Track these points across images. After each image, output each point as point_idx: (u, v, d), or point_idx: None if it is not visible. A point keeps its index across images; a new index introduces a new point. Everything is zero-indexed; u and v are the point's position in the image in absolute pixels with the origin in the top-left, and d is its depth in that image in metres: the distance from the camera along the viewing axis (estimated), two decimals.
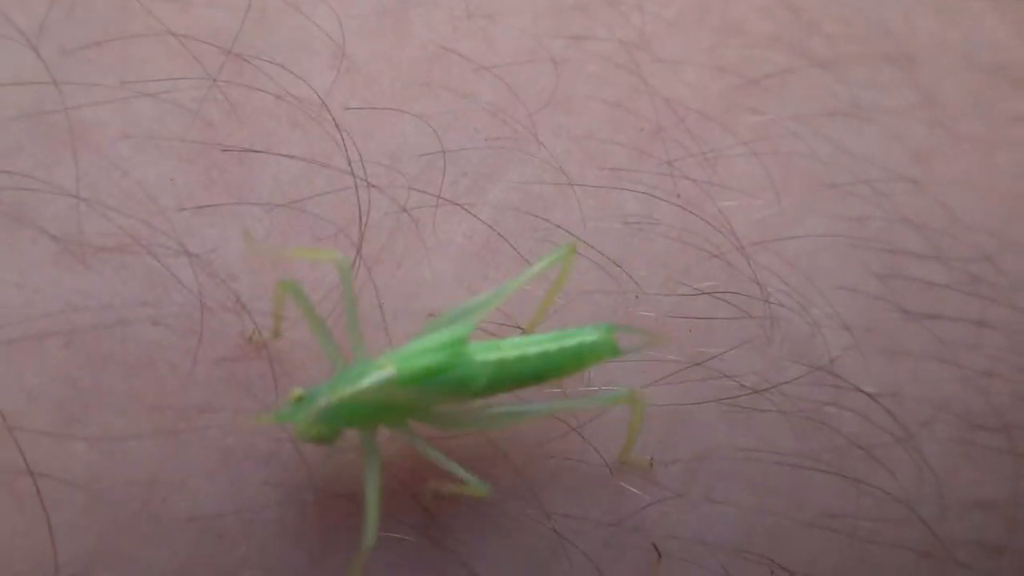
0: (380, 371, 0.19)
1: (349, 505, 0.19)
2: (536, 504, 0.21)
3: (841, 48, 0.28)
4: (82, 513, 0.18)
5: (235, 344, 0.20)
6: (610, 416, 0.23)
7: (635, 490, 0.23)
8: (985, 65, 0.30)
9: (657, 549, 0.23)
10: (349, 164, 0.22)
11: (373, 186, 0.22)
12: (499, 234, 0.23)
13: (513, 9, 0.26)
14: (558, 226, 0.23)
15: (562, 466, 0.23)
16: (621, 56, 0.26)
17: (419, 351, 0.20)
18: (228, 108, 0.22)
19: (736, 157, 0.26)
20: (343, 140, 0.22)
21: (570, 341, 0.21)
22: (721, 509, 0.24)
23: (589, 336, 0.21)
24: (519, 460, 0.22)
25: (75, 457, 0.18)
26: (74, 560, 0.18)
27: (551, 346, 0.21)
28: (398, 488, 0.20)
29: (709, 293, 0.25)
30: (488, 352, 0.20)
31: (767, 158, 0.27)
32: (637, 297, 0.24)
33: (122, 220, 0.20)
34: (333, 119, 0.22)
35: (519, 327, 0.23)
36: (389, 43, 0.24)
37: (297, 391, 0.19)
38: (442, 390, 0.20)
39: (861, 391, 0.25)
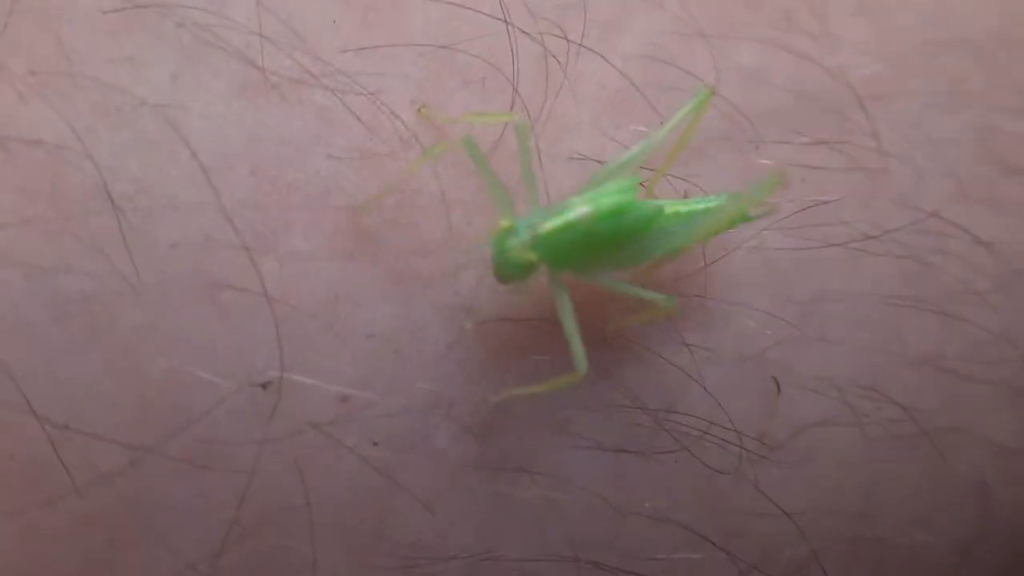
0: (579, 207, 0.20)
1: (518, 328, 0.21)
2: (675, 334, 0.23)
3: None
4: (276, 326, 0.19)
5: (401, 179, 0.21)
6: (737, 256, 0.24)
7: (756, 325, 0.24)
8: None
9: (777, 382, 0.24)
10: (502, 7, 0.22)
11: (523, 32, 0.22)
12: (632, 82, 0.24)
13: None
14: (688, 72, 0.24)
15: (691, 303, 0.24)
16: None
17: (602, 194, 0.21)
18: None
19: (847, 14, 0.27)
20: None
21: (711, 204, 0.23)
22: (834, 348, 0.25)
23: (742, 196, 0.23)
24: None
25: (268, 274, 0.20)
26: (268, 368, 0.19)
27: (698, 207, 0.23)
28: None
29: (826, 142, 0.26)
30: (661, 206, 0.23)
31: (877, 14, 0.27)
32: (757, 148, 0.25)
33: (297, 56, 0.21)
34: None
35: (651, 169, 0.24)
36: None
37: (505, 221, 0.20)
38: (626, 229, 0.21)
39: (966, 236, 0.26)
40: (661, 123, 0.24)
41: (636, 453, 0.22)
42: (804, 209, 0.25)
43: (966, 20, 0.28)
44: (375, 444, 0.20)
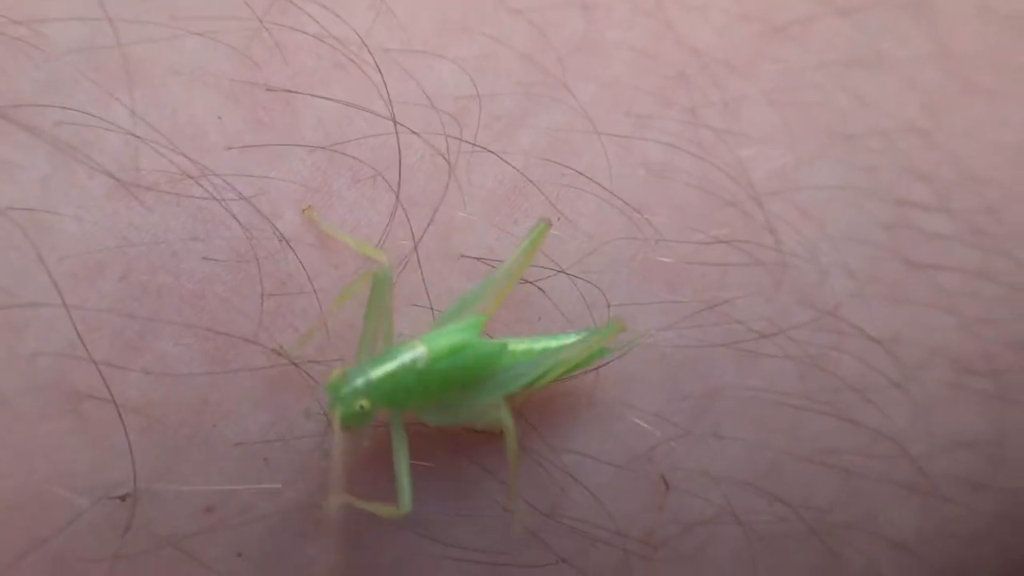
0: (414, 349, 0.20)
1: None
2: (546, 442, 0.22)
3: None
4: (140, 436, 0.19)
5: (280, 280, 0.21)
6: (631, 355, 0.24)
7: (647, 426, 0.24)
8: (1000, 16, 0.30)
9: (665, 481, 0.24)
10: (391, 106, 0.22)
11: (413, 132, 0.22)
12: (529, 180, 0.24)
13: None
14: (581, 173, 0.24)
15: (579, 402, 0.24)
16: (648, 1, 0.26)
17: (442, 334, 0.20)
18: (272, 47, 0.22)
19: (756, 105, 0.27)
20: (384, 84, 0.22)
21: (567, 340, 0.22)
22: (726, 444, 0.25)
23: (590, 338, 0.22)
24: (535, 400, 0.23)
25: (132, 384, 0.19)
26: (128, 478, 0.19)
27: (551, 344, 0.22)
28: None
29: (724, 241, 0.25)
30: (504, 344, 0.22)
31: (786, 107, 0.27)
32: (656, 244, 0.25)
33: (174, 157, 0.20)
34: (375, 62, 0.22)
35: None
36: None
37: (336, 372, 0.19)
38: (468, 367, 0.21)
39: (862, 335, 0.26)
40: (496, 267, 0.23)
41: (513, 566, 0.21)
42: (704, 310, 0.25)
43: (882, 111, 0.28)
44: (239, 555, 0.19)
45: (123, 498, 0.18)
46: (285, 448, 0.20)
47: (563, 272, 0.23)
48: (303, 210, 0.21)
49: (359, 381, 0.20)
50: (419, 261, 0.22)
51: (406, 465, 0.20)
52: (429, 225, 0.22)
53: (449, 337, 0.21)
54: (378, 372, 0.20)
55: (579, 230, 0.24)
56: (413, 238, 0.22)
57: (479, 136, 0.23)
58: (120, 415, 0.18)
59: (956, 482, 0.27)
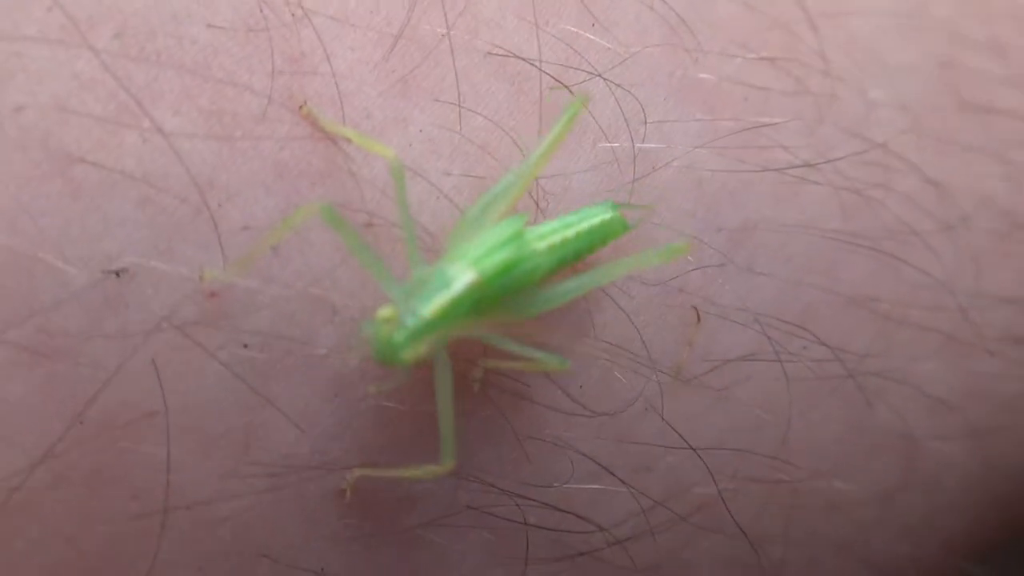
0: (463, 276, 0.18)
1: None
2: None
3: None
4: (137, 208, 0.17)
5: (293, 58, 0.19)
6: (665, 174, 0.22)
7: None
8: None
9: (697, 312, 0.23)
10: None
11: None
12: None
13: None
14: None
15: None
16: None
17: (486, 250, 0.18)
18: None
19: None
20: None
21: (594, 221, 0.21)
22: (762, 280, 0.23)
23: (605, 214, 0.20)
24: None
25: (129, 151, 0.17)
26: (124, 252, 0.17)
27: (582, 227, 0.21)
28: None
29: (770, 59, 0.24)
30: (537, 241, 0.20)
31: None
32: (696, 60, 0.23)
33: None
34: None
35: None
36: None
37: (384, 311, 0.17)
38: (514, 283, 0.19)
39: (913, 173, 0.24)
40: (526, 154, 0.21)
41: (530, 401, 0.20)
42: (743, 131, 0.23)
43: None
44: (245, 346, 0.18)
45: (118, 273, 0.17)
46: (295, 237, 0.18)
47: (600, 76, 0.22)
48: (299, 107, 0.18)
49: (411, 323, 0.17)
50: (453, 55, 0.20)
51: (450, 412, 0.18)
52: (460, 17, 0.20)
53: (495, 255, 0.19)
54: (430, 310, 0.18)
55: (615, 38, 0.22)
56: (446, 24, 0.20)
57: None
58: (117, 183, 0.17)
59: (999, 337, 0.25)
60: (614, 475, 0.21)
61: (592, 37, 0.22)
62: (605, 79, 0.22)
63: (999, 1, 0.27)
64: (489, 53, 0.21)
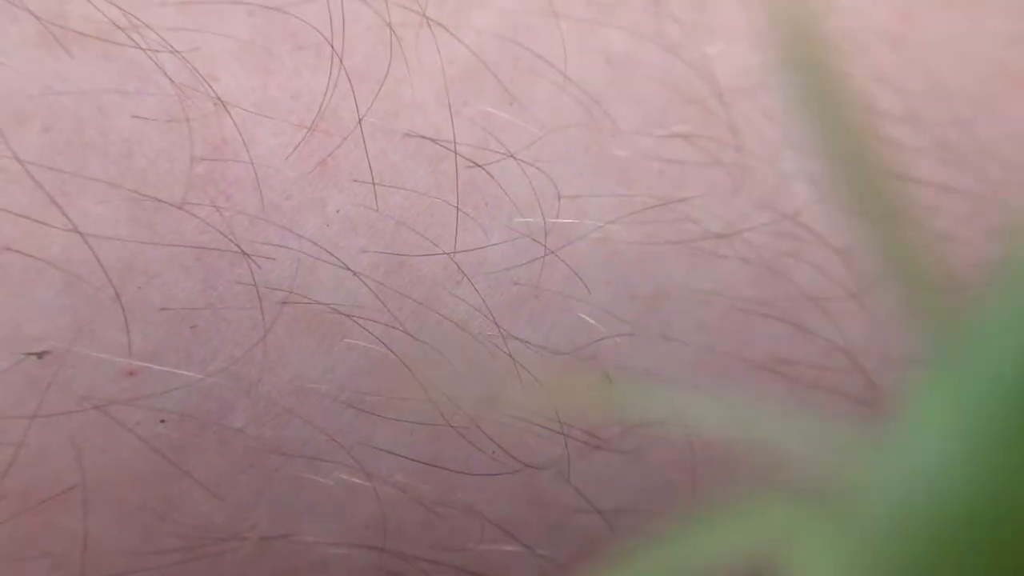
0: None
1: (325, 313, 0.20)
2: (495, 327, 0.22)
3: None
4: (59, 293, 0.19)
5: (213, 145, 0.21)
6: (580, 247, 0.24)
7: (592, 321, 0.24)
8: None
9: (609, 377, 0.24)
10: None
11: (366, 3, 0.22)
12: (483, 61, 0.23)
13: None
14: (539, 56, 0.24)
15: (525, 292, 0.24)
16: None
17: None
18: None
19: (728, 3, 0.27)
20: None
21: None
22: (674, 346, 0.25)
23: None
24: (483, 284, 0.23)
25: (54, 240, 0.19)
26: (47, 335, 0.19)
27: None
28: None
29: (684, 137, 0.25)
30: None
31: (757, 6, 0.27)
32: (612, 136, 0.25)
33: (104, 6, 0.20)
34: None
35: None
36: None
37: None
38: None
39: (821, 243, 0.26)
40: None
41: (442, 469, 0.22)
42: (658, 205, 0.25)
43: (856, 14, 0.28)
44: (162, 422, 0.20)
45: (41, 355, 0.18)
46: (213, 316, 0.20)
47: (512, 157, 0.23)
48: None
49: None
50: (363, 137, 0.22)
51: None
52: (378, 100, 0.22)
53: None
54: None
55: (532, 116, 0.24)
56: (357, 112, 0.21)
57: (431, 10, 0.23)
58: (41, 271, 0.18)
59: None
60: (521, 538, 0.23)
61: (509, 117, 0.24)
62: (517, 159, 0.23)
63: (913, 73, 0.29)
64: (407, 134, 0.23)
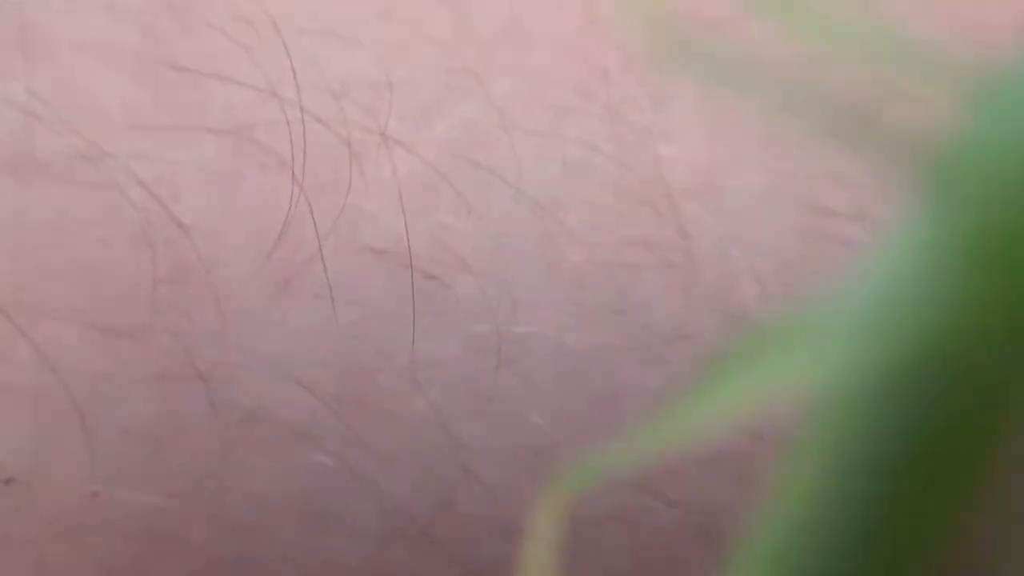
0: None
1: (278, 435, 0.21)
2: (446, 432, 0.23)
3: None
4: (24, 420, 0.20)
5: (175, 267, 0.21)
6: (534, 354, 0.25)
7: (544, 425, 0.25)
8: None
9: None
10: (299, 94, 0.23)
11: (319, 120, 0.23)
12: (439, 174, 0.25)
13: None
14: (493, 170, 0.25)
15: (479, 396, 0.25)
16: None
17: None
18: (184, 22, 0.23)
19: (682, 101, 0.28)
20: (293, 71, 0.23)
21: None
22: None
23: None
24: (438, 394, 0.24)
25: (21, 367, 0.20)
26: (12, 462, 0.19)
27: None
28: None
29: (636, 244, 0.27)
30: None
31: (714, 105, 0.28)
32: (567, 242, 0.26)
33: (71, 137, 0.21)
34: (286, 47, 0.23)
35: None
36: None
37: None
38: None
39: None
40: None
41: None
42: (613, 310, 0.26)
43: (806, 115, 0.29)
44: (125, 540, 0.20)
45: (6, 482, 0.19)
46: (175, 436, 0.21)
47: (468, 268, 0.24)
48: None
49: None
50: (320, 248, 0.23)
51: None
52: (338, 216, 0.23)
53: None
54: None
55: (489, 226, 0.25)
56: (315, 229, 0.22)
57: (391, 126, 0.24)
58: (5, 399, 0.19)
59: None
60: None
61: (465, 227, 0.25)
62: (472, 271, 0.24)
63: (857, 170, 0.30)
64: (366, 248, 0.24)
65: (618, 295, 0.26)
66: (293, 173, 0.22)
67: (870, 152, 0.09)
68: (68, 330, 0.20)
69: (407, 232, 0.24)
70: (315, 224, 0.22)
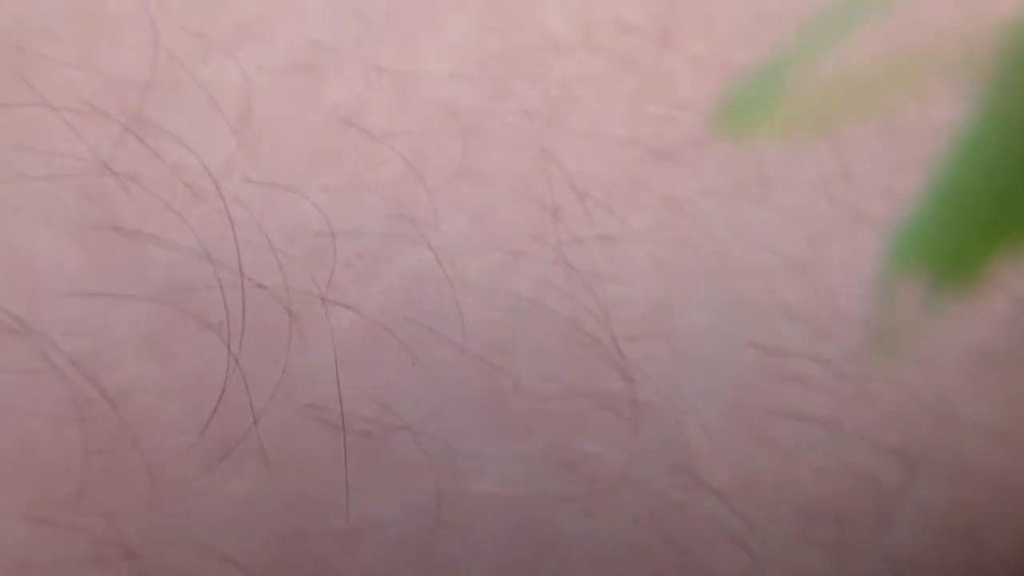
0: None
1: None
2: None
3: None
4: None
5: (109, 437, 0.22)
6: (474, 505, 0.25)
7: None
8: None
9: None
10: (238, 256, 0.23)
11: (261, 286, 0.23)
12: (381, 329, 0.25)
13: (427, 72, 0.27)
14: (431, 329, 0.25)
15: (421, 555, 0.25)
16: (528, 127, 0.27)
17: None
18: (126, 180, 0.23)
19: (631, 242, 0.28)
20: (235, 234, 0.23)
21: None
22: None
23: None
24: (375, 552, 0.24)
25: None
26: None
27: None
28: None
29: (580, 383, 0.27)
30: None
31: (664, 242, 0.28)
32: (512, 390, 0.26)
33: (6, 302, 0.21)
34: (226, 208, 0.23)
35: None
36: (298, 104, 0.25)
37: None
38: None
39: (709, 489, 0.28)
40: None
41: None
42: (554, 458, 0.26)
43: (762, 244, 0.29)
44: None
45: None
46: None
47: (407, 428, 0.25)
48: None
49: None
50: (253, 412, 0.23)
51: None
52: (277, 380, 0.23)
53: None
54: None
55: (432, 379, 0.25)
56: (249, 397, 0.23)
57: (335, 280, 0.24)
58: None
59: None
60: None
61: (407, 383, 0.25)
62: (412, 429, 0.25)
63: (818, 305, 0.30)
64: (305, 408, 0.24)
65: (563, 446, 0.26)
66: (229, 340, 0.23)
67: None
68: (8, 499, 0.20)
69: (340, 390, 0.24)
70: (249, 393, 0.22)
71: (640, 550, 0.27)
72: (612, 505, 0.27)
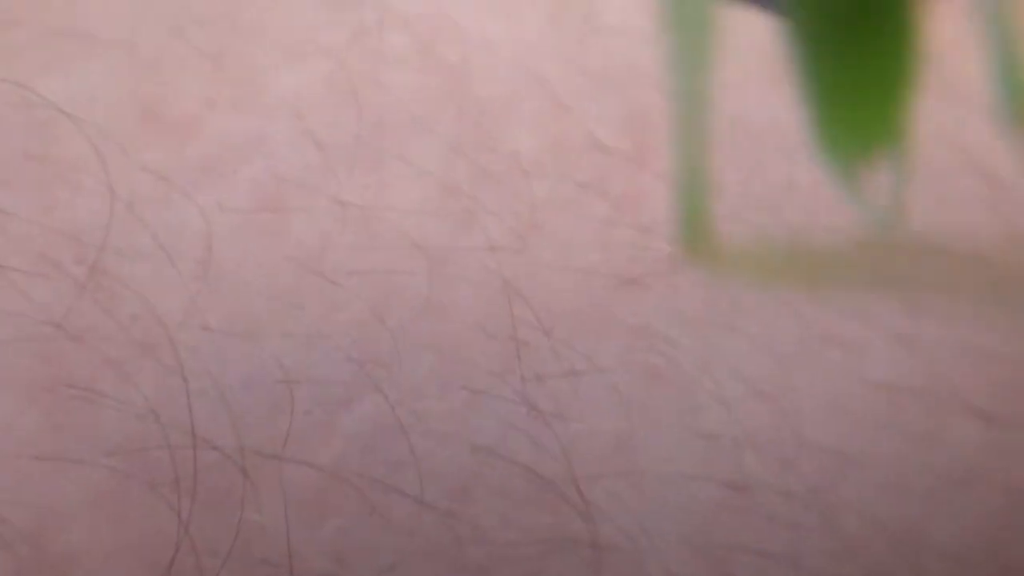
0: None
1: None
2: None
3: None
4: None
5: None
6: None
7: None
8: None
9: None
10: (191, 415, 0.23)
11: (214, 448, 0.23)
12: (341, 478, 0.25)
13: (394, 205, 0.27)
14: (388, 478, 0.25)
15: None
16: (493, 261, 0.28)
17: None
18: (80, 336, 0.23)
19: (595, 375, 0.28)
20: (188, 392, 0.23)
21: None
22: None
23: None
24: None
25: None
26: None
27: None
28: None
29: (541, 530, 0.27)
30: None
31: (632, 374, 0.29)
32: (472, 540, 0.26)
33: None
34: (179, 363, 0.23)
35: None
36: (261, 245, 0.25)
37: None
38: None
39: None
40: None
41: None
42: None
43: (712, 374, 0.30)
44: None
45: None
46: None
47: None
48: None
49: None
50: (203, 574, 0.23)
51: None
52: (232, 541, 0.23)
53: None
54: None
55: (391, 531, 0.25)
56: (196, 555, 0.23)
57: (294, 426, 0.24)
58: None
59: None
60: None
61: (366, 536, 0.25)
62: None
63: (786, 433, 0.31)
64: (258, 563, 0.24)
65: None
66: (180, 501, 0.23)
67: None
68: None
69: (289, 547, 0.24)
70: (198, 556, 0.22)
71: None
72: None
